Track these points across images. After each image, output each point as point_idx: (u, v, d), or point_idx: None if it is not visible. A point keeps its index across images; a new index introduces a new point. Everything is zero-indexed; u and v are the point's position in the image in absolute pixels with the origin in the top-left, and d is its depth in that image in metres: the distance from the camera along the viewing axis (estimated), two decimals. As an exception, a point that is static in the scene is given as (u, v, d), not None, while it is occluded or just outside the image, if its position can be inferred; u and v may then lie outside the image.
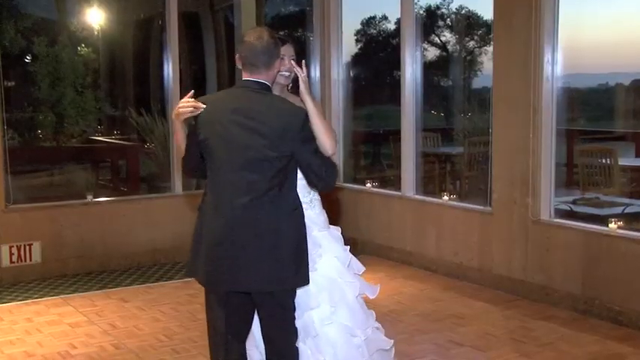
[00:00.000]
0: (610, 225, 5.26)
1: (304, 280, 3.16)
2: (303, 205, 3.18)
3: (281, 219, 3.07)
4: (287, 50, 3.23)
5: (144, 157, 9.22)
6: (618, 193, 7.12)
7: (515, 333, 4.97)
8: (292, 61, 3.20)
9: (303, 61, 3.21)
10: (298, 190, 3.18)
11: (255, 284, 3.10)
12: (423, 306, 5.62)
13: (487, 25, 11.45)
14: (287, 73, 3.24)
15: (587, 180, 7.26)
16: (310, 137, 3.07)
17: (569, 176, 8.08)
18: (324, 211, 3.46)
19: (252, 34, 3.08)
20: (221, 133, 3.05)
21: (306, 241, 3.17)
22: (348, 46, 9.91)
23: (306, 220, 3.18)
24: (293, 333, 3.24)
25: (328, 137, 3.09)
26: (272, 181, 3.03)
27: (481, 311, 5.47)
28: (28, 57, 9.79)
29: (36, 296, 5.94)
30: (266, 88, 3.10)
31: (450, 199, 6.67)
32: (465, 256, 6.24)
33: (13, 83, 9.34)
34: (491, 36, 6.52)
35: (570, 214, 6.06)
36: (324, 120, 3.14)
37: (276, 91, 3.23)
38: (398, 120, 7.02)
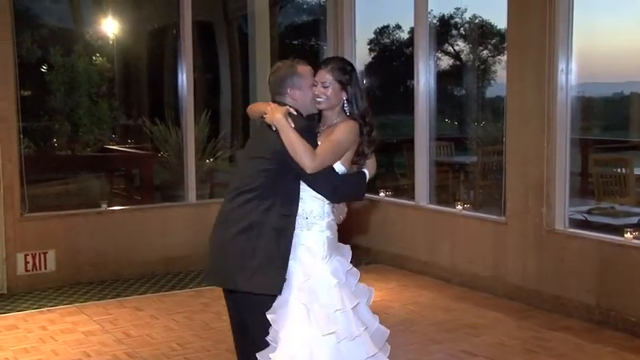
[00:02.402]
0: (625, 235, 5.23)
1: (257, 288, 3.14)
2: (300, 223, 3.22)
3: (254, 217, 3.17)
4: (319, 76, 3.34)
5: (158, 166, 9.26)
6: (634, 203, 7.07)
7: (529, 343, 4.94)
8: (271, 104, 3.29)
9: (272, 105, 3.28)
10: (311, 204, 3.23)
11: (215, 279, 3.34)
12: (436, 316, 5.60)
13: (501, 34, 11.44)
14: (319, 99, 3.32)
15: (602, 189, 7.22)
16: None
17: (583, 186, 8.04)
18: (326, 242, 3.28)
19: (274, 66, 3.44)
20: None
21: (280, 251, 3.17)
22: (362, 56, 9.91)
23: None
24: (255, 342, 3.22)
25: (301, 155, 3.12)
26: (257, 180, 3.18)
27: (495, 321, 5.44)
28: (44, 66, 9.86)
29: (50, 304, 5.97)
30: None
31: (463, 208, 6.65)
32: (479, 265, 6.22)
33: (29, 92, 9.41)
34: (505, 45, 6.51)
35: (585, 224, 6.03)
36: (298, 139, 3.14)
37: (331, 116, 3.35)
38: (411, 129, 7.02)
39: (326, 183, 3.22)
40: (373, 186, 8.16)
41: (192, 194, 7.19)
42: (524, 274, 5.80)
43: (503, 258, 5.99)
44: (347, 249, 3.41)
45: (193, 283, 6.60)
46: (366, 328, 3.27)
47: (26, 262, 6.37)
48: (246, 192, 3.19)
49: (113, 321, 5.50)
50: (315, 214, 3.26)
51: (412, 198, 7.05)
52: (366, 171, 3.43)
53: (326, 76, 3.32)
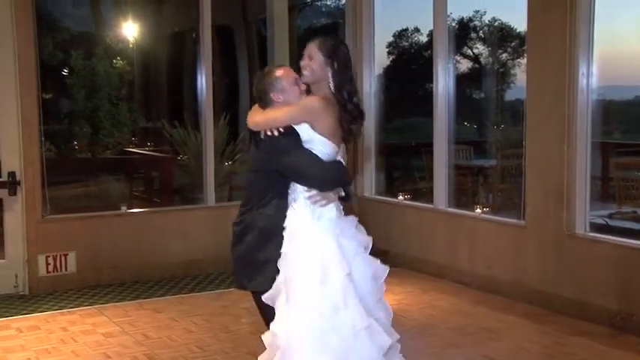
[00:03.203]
0: (647, 239, 5.19)
1: (255, 286, 3.39)
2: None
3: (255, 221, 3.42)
4: (307, 49, 3.43)
5: (177, 169, 9.31)
6: (656, 208, 7.03)
7: (550, 348, 4.91)
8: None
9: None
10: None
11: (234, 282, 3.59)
12: (455, 320, 5.58)
13: (520, 37, 11.41)
14: (304, 72, 3.41)
15: (623, 194, 7.17)
16: (284, 149, 3.35)
17: (604, 190, 7.99)
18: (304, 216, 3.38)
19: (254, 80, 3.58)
20: None
21: (263, 245, 3.37)
22: (380, 59, 9.92)
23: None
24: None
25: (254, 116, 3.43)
26: (260, 182, 3.47)
27: (514, 326, 5.41)
28: (65, 70, 9.96)
29: (71, 306, 6.01)
30: None
31: (482, 212, 6.62)
32: (498, 269, 6.19)
33: (50, 95, 9.51)
34: (524, 48, 6.49)
35: (606, 228, 5.98)
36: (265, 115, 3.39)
37: (316, 91, 3.44)
38: (430, 132, 7.00)
39: (313, 177, 3.37)
40: (392, 189, 8.17)
41: (211, 197, 7.22)
42: (544, 278, 5.76)
43: (522, 262, 5.96)
44: (348, 220, 3.49)
45: (212, 286, 6.62)
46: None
47: (47, 264, 6.43)
48: (253, 206, 3.44)
49: (133, 323, 5.54)
50: (294, 194, 3.41)
51: (431, 201, 7.03)
52: (340, 159, 3.50)
53: (313, 49, 3.40)
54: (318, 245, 3.30)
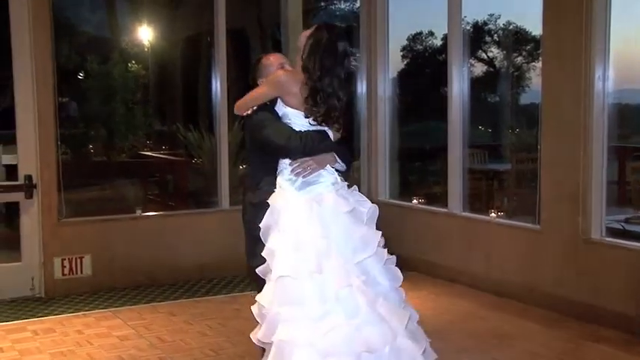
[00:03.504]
0: (664, 244, 5.15)
1: (255, 263, 3.49)
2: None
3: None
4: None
5: (192, 172, 9.34)
6: (673, 212, 6.97)
7: (565, 354, 4.88)
8: None
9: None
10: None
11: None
12: (469, 324, 5.56)
13: (535, 41, 11.35)
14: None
15: (640, 198, 7.12)
16: (256, 125, 3.62)
17: (621, 194, 7.93)
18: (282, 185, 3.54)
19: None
20: None
21: (258, 221, 3.46)
22: (394, 62, 9.90)
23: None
24: None
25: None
26: (253, 162, 3.79)
27: (529, 331, 5.38)
28: (81, 74, 10.02)
29: (86, 308, 6.04)
30: None
31: (497, 216, 6.60)
32: (513, 274, 6.16)
33: (66, 99, 9.57)
34: (539, 51, 6.46)
35: (622, 233, 5.94)
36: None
37: None
38: (444, 136, 6.99)
39: (286, 144, 3.50)
40: (407, 193, 8.15)
41: (225, 200, 7.23)
42: (560, 283, 5.73)
43: (537, 267, 5.93)
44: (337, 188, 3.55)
45: (227, 289, 6.63)
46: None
47: (63, 267, 6.46)
48: (251, 185, 3.71)
49: (147, 326, 5.56)
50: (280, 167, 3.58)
51: (445, 205, 7.01)
52: (326, 129, 3.56)
53: (303, 35, 3.61)
54: (292, 213, 3.39)
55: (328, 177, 3.54)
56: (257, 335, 3.38)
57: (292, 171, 3.50)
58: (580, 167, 5.52)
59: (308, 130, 3.52)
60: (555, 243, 5.76)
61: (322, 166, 3.52)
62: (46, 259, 6.40)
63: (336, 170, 3.60)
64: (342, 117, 3.58)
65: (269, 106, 3.61)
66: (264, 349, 3.42)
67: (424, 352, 3.41)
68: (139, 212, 7.05)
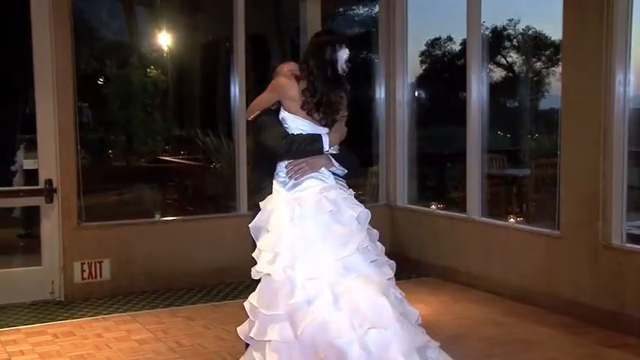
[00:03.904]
0: (686, 251, 5.09)
1: None
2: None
3: None
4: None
5: (210, 177, 9.37)
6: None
7: (585, 360, 4.84)
8: None
9: None
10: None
11: None
12: (488, 330, 5.53)
13: (555, 46, 11.31)
14: None
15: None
16: (256, 128, 3.87)
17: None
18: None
19: None
20: None
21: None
22: (413, 67, 9.89)
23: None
24: None
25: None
26: (262, 166, 3.93)
27: (548, 337, 5.34)
28: (101, 79, 10.09)
29: (105, 312, 6.08)
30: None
31: (516, 221, 6.56)
32: (532, 280, 6.12)
33: (86, 104, 9.64)
34: (559, 56, 6.42)
35: (643, 239, 5.88)
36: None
37: None
38: (463, 141, 6.96)
39: (273, 146, 3.67)
40: (425, 198, 8.13)
41: (243, 205, 7.24)
42: (579, 289, 5.69)
43: (557, 272, 5.89)
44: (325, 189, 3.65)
45: (245, 294, 6.56)
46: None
47: (82, 271, 6.51)
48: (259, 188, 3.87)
49: (166, 330, 5.58)
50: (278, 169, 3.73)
51: (464, 211, 6.99)
52: (322, 133, 3.66)
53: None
54: (277, 215, 3.57)
55: (320, 180, 3.62)
56: (249, 333, 3.57)
57: (287, 173, 3.64)
58: (600, 172, 5.48)
59: (300, 134, 3.64)
60: (575, 249, 5.72)
61: (315, 169, 3.64)
62: (65, 263, 6.44)
63: (336, 174, 3.68)
64: (335, 113, 3.67)
65: (273, 111, 3.78)
66: (248, 345, 3.65)
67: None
68: (157, 217, 7.08)
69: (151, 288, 6.72)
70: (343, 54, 3.66)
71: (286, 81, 3.71)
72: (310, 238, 3.47)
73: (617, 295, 5.40)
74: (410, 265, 7.31)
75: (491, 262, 6.54)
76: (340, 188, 3.68)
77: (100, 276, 6.58)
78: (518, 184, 9.04)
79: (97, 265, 6.56)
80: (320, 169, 3.65)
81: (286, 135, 3.64)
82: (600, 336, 5.28)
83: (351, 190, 3.77)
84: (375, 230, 3.74)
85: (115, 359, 4.93)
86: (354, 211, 3.58)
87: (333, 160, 3.67)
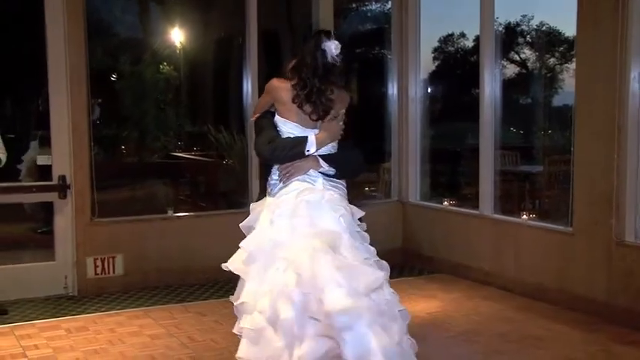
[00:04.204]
0: (700, 248, 5.06)
1: None
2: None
3: None
4: None
5: (222, 173, 9.38)
6: None
7: (598, 357, 4.82)
8: None
9: None
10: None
11: None
12: (500, 326, 5.51)
13: (569, 42, 11.25)
14: None
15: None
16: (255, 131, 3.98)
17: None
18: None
19: None
20: None
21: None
22: (426, 64, 9.86)
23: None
24: None
25: None
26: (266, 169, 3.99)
27: (561, 334, 5.33)
28: (114, 75, 10.12)
29: (118, 307, 6.11)
30: None
31: (529, 218, 6.54)
32: (545, 276, 6.11)
33: (99, 100, 9.67)
34: (573, 52, 6.39)
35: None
36: None
37: None
38: (476, 138, 6.94)
39: (260, 151, 3.81)
40: (437, 194, 8.12)
41: (256, 201, 7.24)
42: (592, 286, 5.66)
43: (569, 269, 5.87)
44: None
45: (256, 290, 6.64)
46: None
47: (95, 266, 6.54)
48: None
49: (178, 325, 5.60)
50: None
51: (476, 207, 6.97)
52: (309, 135, 3.70)
53: None
54: (261, 216, 3.73)
55: (305, 182, 3.68)
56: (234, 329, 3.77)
57: (278, 176, 3.77)
58: (614, 169, 5.45)
59: (287, 137, 3.72)
60: (588, 246, 5.69)
61: (301, 171, 3.70)
62: (79, 258, 6.48)
63: (329, 175, 3.71)
64: (327, 104, 3.70)
65: (272, 113, 3.85)
66: None
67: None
68: (170, 212, 7.11)
69: (164, 283, 6.74)
70: (332, 44, 3.72)
71: (277, 83, 3.79)
72: (282, 239, 3.58)
73: (630, 292, 5.37)
74: (422, 261, 7.31)
75: (504, 258, 6.53)
76: (329, 189, 3.70)
77: (113, 271, 6.61)
78: (531, 181, 9.02)
79: (110, 260, 6.59)
80: (307, 171, 3.71)
81: (273, 140, 3.72)
82: (613, 333, 5.26)
83: (342, 190, 3.78)
84: (366, 233, 3.75)
85: (128, 354, 4.96)
86: (336, 212, 3.61)
87: (321, 161, 3.71)
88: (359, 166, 3.98)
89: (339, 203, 3.67)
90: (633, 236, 5.46)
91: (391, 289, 3.61)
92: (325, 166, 3.72)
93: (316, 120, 3.73)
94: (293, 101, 3.71)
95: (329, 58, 3.73)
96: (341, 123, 3.77)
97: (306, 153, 3.70)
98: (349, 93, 3.99)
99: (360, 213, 3.75)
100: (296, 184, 3.71)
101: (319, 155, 3.73)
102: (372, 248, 3.71)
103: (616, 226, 5.47)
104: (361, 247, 3.64)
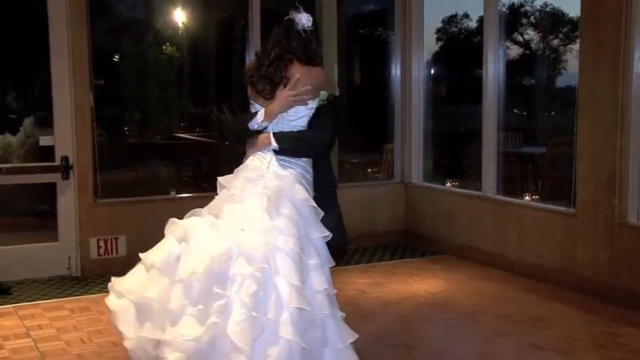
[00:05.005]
0: (702, 229, 5.05)
1: None
2: None
3: None
4: None
5: (225, 155, 9.36)
6: None
7: (600, 338, 4.83)
8: None
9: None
10: None
11: None
12: (502, 307, 5.53)
13: (573, 23, 11.18)
14: None
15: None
16: None
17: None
18: None
19: None
20: None
21: None
22: (429, 45, 9.81)
23: None
24: None
25: None
26: None
27: (563, 314, 5.34)
28: (116, 56, 10.08)
29: (121, 288, 6.12)
30: None
31: (531, 199, 6.54)
32: (547, 257, 6.11)
33: (102, 82, 9.64)
34: (576, 33, 6.36)
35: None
36: None
37: None
38: (479, 119, 6.93)
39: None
40: (440, 176, 8.11)
41: (258, 182, 7.24)
42: (595, 267, 5.67)
43: (572, 250, 5.87)
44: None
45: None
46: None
47: (99, 247, 6.56)
48: None
49: (181, 305, 5.61)
50: None
51: (479, 188, 6.97)
52: (259, 110, 3.73)
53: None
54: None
55: (253, 160, 3.76)
56: None
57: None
58: (617, 150, 5.44)
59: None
60: (590, 226, 5.70)
61: (254, 149, 3.75)
62: (82, 239, 6.50)
63: (279, 152, 3.68)
64: (274, 74, 3.67)
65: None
66: None
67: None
68: (173, 194, 7.12)
69: (167, 264, 6.74)
70: (302, 16, 3.78)
71: (249, 65, 3.91)
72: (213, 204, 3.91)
73: (633, 272, 5.38)
74: (424, 242, 7.31)
75: (507, 239, 6.54)
76: (276, 168, 3.66)
77: (116, 252, 6.63)
78: (534, 162, 9.01)
79: (113, 241, 6.61)
80: (261, 148, 3.72)
81: (231, 121, 3.81)
82: (616, 314, 5.28)
83: (298, 169, 3.70)
84: (320, 210, 3.64)
85: (131, 334, 4.97)
86: (262, 189, 3.59)
87: (271, 138, 3.68)
88: (314, 145, 3.74)
89: (280, 180, 3.60)
90: (636, 217, 5.46)
91: (331, 287, 3.56)
92: (274, 143, 3.68)
93: (269, 98, 3.68)
94: (251, 85, 3.76)
95: (301, 32, 3.72)
96: (299, 90, 3.64)
97: (251, 127, 3.70)
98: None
99: (312, 202, 3.63)
100: (248, 161, 3.77)
101: (273, 133, 3.70)
102: (328, 232, 3.58)
103: (619, 206, 5.47)
104: (302, 221, 3.53)
